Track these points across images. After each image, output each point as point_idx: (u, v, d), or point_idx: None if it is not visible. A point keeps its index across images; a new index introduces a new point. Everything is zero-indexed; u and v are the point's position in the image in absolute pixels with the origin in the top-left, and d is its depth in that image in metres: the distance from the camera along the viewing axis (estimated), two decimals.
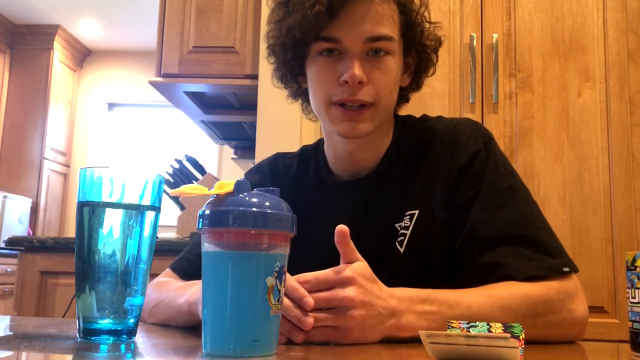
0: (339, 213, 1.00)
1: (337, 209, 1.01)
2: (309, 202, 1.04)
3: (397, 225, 0.97)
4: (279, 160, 1.13)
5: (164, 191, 0.75)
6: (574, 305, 0.83)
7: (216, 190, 0.60)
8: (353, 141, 0.98)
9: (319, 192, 1.05)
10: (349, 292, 0.69)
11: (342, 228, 0.73)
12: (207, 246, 0.60)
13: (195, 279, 0.93)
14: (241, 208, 0.58)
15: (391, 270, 0.86)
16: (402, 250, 0.95)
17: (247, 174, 1.15)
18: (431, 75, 1.05)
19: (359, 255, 0.75)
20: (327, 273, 0.71)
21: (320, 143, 1.10)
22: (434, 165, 0.98)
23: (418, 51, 1.01)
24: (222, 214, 0.58)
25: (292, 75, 1.02)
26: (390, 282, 0.92)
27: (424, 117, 1.06)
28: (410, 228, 0.95)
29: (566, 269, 0.85)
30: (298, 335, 0.68)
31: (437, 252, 0.94)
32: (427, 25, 1.00)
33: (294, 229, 0.61)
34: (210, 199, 0.61)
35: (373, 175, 1.01)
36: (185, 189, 0.62)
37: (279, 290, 0.59)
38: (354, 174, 1.03)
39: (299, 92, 1.05)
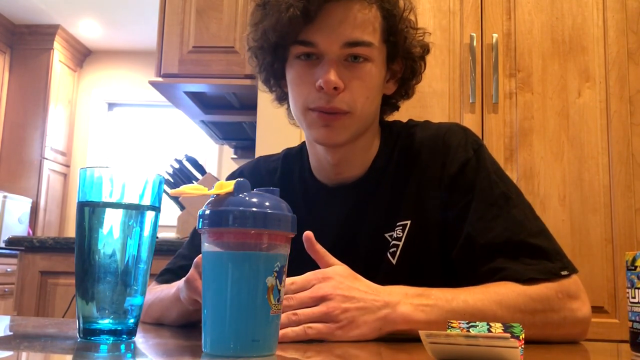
0: (325, 220, 0.99)
1: (323, 216, 0.99)
2: (294, 208, 1.03)
3: (387, 235, 0.95)
4: (261, 164, 1.10)
5: (164, 191, 0.75)
6: (575, 305, 0.83)
7: (216, 190, 0.60)
8: (335, 153, 0.96)
9: (305, 197, 1.03)
10: (326, 287, 0.73)
11: (307, 234, 0.77)
12: (207, 246, 0.60)
13: None
14: (241, 208, 0.58)
15: (382, 281, 0.85)
16: (394, 261, 0.94)
17: (228, 179, 1.13)
18: (418, 83, 1.02)
19: (334, 260, 0.79)
20: (307, 275, 0.75)
21: (304, 146, 1.07)
22: (425, 174, 0.96)
23: (404, 58, 0.97)
24: (222, 214, 0.58)
25: (275, 79, 1.00)
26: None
27: (411, 123, 1.04)
28: (403, 239, 0.94)
29: (564, 272, 0.84)
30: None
31: (430, 262, 0.94)
32: (412, 31, 0.96)
33: (294, 229, 0.61)
34: (210, 199, 0.61)
35: (360, 183, 0.99)
36: (185, 189, 0.62)
37: (279, 290, 0.59)
38: (339, 182, 1.00)
39: (284, 97, 1.03)
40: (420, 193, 0.95)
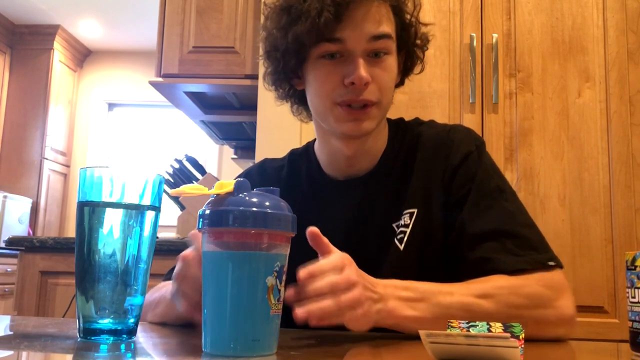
0: (334, 214, 1.01)
1: (332, 210, 1.02)
2: (303, 204, 1.02)
3: (394, 225, 0.98)
4: (267, 164, 1.13)
5: (164, 191, 0.75)
6: (561, 302, 0.84)
7: (216, 190, 0.60)
8: (351, 146, 0.98)
9: (313, 193, 1.05)
10: (353, 273, 0.70)
11: (312, 230, 0.72)
12: (207, 246, 0.60)
13: None
14: (241, 208, 0.58)
15: (390, 267, 0.87)
16: (401, 247, 0.96)
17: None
18: (418, 73, 1.07)
19: (335, 248, 0.75)
20: (336, 258, 0.71)
21: (309, 145, 1.10)
22: (429, 166, 1.00)
23: (408, 51, 1.02)
24: (222, 214, 0.58)
25: (287, 79, 1.02)
26: (389, 279, 0.92)
27: (418, 121, 1.08)
28: (410, 226, 0.97)
29: (552, 263, 0.87)
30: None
31: (435, 249, 0.96)
32: (420, 27, 1.02)
33: (294, 229, 0.61)
34: (210, 199, 0.61)
35: (369, 177, 1.02)
36: (185, 188, 0.62)
37: (279, 290, 0.59)
38: (348, 175, 1.03)
39: (290, 94, 1.05)
40: (425, 184, 0.99)
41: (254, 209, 0.58)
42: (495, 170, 1.00)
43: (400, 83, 1.07)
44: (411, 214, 0.98)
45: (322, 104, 0.97)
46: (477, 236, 0.90)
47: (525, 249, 0.87)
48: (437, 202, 0.97)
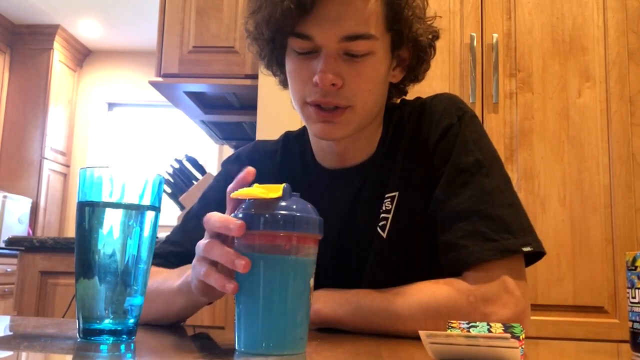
0: (327, 204, 0.94)
1: (325, 200, 0.94)
2: (296, 191, 0.99)
3: (379, 210, 0.92)
4: (259, 147, 1.07)
5: (164, 191, 0.74)
6: (490, 309, 0.78)
7: (270, 194, 0.60)
8: (339, 144, 0.93)
9: (307, 180, 0.99)
10: None
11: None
12: (259, 249, 0.59)
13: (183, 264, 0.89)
14: (306, 215, 0.59)
15: (374, 256, 0.82)
16: (384, 235, 0.90)
17: (224, 163, 1.09)
18: (427, 70, 0.98)
19: None
20: None
21: (305, 130, 1.02)
22: (411, 144, 0.93)
23: (411, 46, 0.93)
24: (309, 220, 0.60)
25: (277, 65, 0.96)
26: (374, 269, 0.90)
27: (403, 101, 1.01)
28: (392, 211, 0.91)
29: (527, 248, 0.80)
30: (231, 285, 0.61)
31: (420, 235, 0.90)
32: (418, 19, 0.91)
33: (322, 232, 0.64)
34: (253, 201, 0.61)
35: (363, 167, 0.96)
36: (242, 191, 0.61)
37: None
38: (342, 166, 0.97)
39: (285, 82, 0.98)
40: (407, 163, 0.92)
41: (315, 215, 0.61)
42: (478, 143, 0.90)
43: (415, 79, 0.97)
44: (392, 198, 0.91)
45: (295, 101, 0.91)
46: (449, 216, 0.84)
47: (499, 233, 0.81)
48: (419, 183, 0.90)
